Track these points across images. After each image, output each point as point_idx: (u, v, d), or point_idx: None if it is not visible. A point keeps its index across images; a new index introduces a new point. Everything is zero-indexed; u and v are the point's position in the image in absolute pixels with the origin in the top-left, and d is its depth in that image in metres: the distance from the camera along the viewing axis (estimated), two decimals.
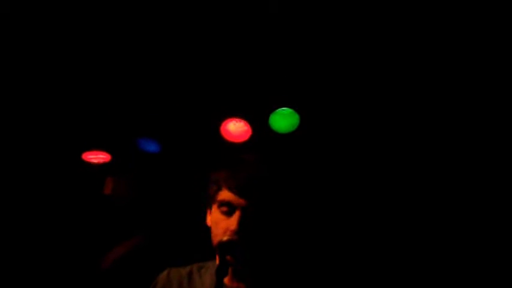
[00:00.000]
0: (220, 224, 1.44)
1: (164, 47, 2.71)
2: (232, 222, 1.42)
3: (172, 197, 3.14)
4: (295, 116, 2.93)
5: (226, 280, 1.49)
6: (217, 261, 1.44)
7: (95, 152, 3.07)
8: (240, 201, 1.44)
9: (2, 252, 2.95)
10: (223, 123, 2.95)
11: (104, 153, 3.07)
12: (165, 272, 1.62)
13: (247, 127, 2.96)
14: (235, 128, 2.96)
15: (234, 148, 2.97)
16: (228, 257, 1.37)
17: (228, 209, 1.44)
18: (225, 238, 1.39)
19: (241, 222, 1.41)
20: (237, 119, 2.94)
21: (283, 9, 2.44)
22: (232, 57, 2.76)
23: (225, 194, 1.46)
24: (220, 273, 1.33)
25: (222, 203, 1.45)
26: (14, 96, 2.86)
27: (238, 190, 1.44)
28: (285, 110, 2.92)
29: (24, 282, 2.97)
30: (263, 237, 1.49)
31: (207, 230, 1.54)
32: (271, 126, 2.95)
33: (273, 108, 2.92)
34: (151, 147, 3.03)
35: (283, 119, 2.94)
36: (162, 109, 2.96)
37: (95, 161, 3.09)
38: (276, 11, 2.43)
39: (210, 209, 1.54)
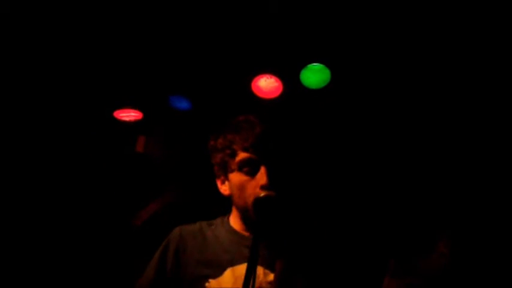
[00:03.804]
0: (248, 185, 1.45)
1: (195, 5, 2.70)
2: (261, 178, 1.42)
3: (203, 154, 3.15)
4: (326, 71, 2.91)
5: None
6: (254, 218, 1.39)
7: (126, 110, 3.07)
8: (260, 157, 1.44)
9: (36, 206, 3.00)
10: (254, 80, 2.94)
11: (136, 111, 3.08)
12: (176, 230, 1.62)
13: (278, 83, 2.95)
14: (266, 84, 2.95)
15: (263, 104, 2.98)
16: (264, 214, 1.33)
17: (250, 168, 1.45)
18: (262, 194, 1.37)
19: (270, 176, 1.41)
20: (268, 75, 2.92)
21: None
22: (262, 14, 2.74)
23: (243, 155, 1.46)
24: (258, 230, 1.32)
25: (243, 164, 1.46)
26: (45, 60, 2.87)
27: (254, 148, 1.45)
28: (316, 66, 2.90)
29: (57, 240, 3.04)
30: (293, 190, 1.50)
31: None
32: (302, 82, 2.94)
33: (304, 64, 2.90)
34: (183, 104, 3.03)
35: (314, 75, 2.92)
36: (193, 66, 2.95)
37: (127, 119, 3.10)
38: None
39: (225, 176, 1.54)
